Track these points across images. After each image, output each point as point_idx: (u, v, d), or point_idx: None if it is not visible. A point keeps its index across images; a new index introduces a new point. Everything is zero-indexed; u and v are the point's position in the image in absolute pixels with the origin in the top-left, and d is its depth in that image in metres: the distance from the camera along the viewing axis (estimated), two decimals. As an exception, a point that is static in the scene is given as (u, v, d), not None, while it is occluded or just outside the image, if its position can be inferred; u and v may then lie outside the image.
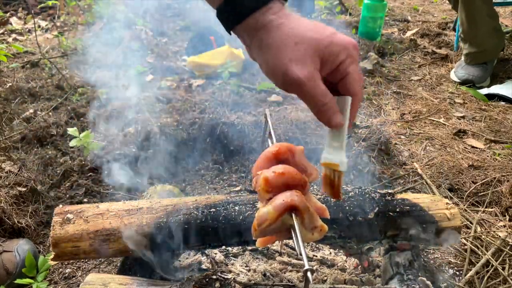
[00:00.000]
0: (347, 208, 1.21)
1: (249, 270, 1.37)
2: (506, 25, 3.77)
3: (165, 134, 2.11)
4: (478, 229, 1.68)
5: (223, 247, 1.35)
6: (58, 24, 3.77)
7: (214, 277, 1.12)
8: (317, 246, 1.53)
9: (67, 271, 1.55)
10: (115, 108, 2.38)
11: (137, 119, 2.26)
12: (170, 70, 2.92)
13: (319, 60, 0.68)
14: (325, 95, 0.69)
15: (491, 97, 2.74)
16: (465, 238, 1.61)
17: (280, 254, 1.46)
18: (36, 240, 1.65)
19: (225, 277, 1.13)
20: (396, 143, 2.23)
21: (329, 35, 0.68)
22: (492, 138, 2.29)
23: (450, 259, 1.58)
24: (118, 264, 1.46)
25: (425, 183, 1.92)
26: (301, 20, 0.70)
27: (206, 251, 1.40)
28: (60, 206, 1.23)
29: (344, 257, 1.47)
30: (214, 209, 1.21)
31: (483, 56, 2.88)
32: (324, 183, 0.81)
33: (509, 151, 2.18)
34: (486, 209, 1.80)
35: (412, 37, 3.68)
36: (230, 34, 0.73)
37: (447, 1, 3.32)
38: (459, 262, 1.56)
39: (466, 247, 1.59)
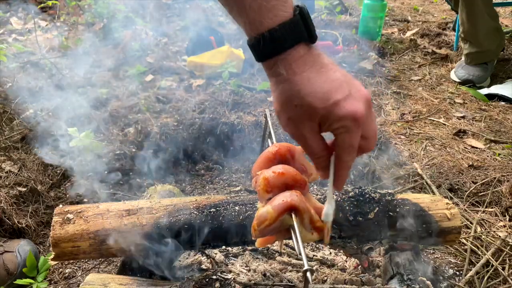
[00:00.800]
0: (347, 208, 1.21)
1: (249, 270, 1.37)
2: (506, 25, 3.77)
3: (165, 134, 2.11)
4: (478, 229, 1.68)
5: (223, 247, 1.35)
6: (58, 24, 3.77)
7: (214, 277, 1.12)
8: (317, 246, 1.53)
9: (67, 271, 1.55)
10: (115, 108, 2.39)
11: (137, 119, 2.26)
12: (170, 70, 2.92)
13: (316, 123, 0.70)
14: (316, 152, 0.74)
15: (491, 97, 2.74)
16: (465, 238, 1.61)
17: (280, 254, 1.46)
18: (36, 240, 1.65)
19: (225, 277, 1.13)
20: (396, 143, 2.23)
21: (332, 104, 0.67)
22: (492, 138, 2.29)
23: (450, 259, 1.58)
24: (118, 264, 1.46)
25: (425, 183, 1.92)
26: (314, 76, 0.68)
27: (206, 251, 1.40)
28: (60, 206, 1.23)
29: (344, 257, 1.47)
30: (214, 209, 1.21)
31: (484, 56, 2.88)
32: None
33: (509, 151, 2.18)
34: (486, 209, 1.80)
35: (412, 37, 3.68)
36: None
37: (446, 3, 3.32)
38: (459, 262, 1.56)
39: (466, 247, 1.59)
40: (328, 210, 0.81)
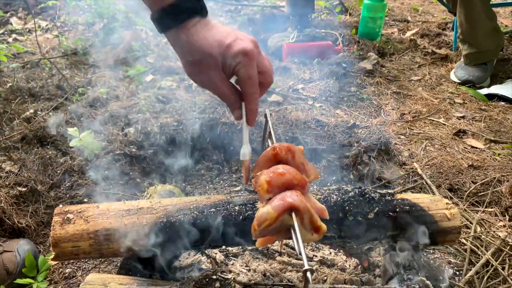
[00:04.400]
0: (347, 208, 1.21)
1: (249, 270, 1.37)
2: (506, 25, 3.77)
3: (165, 134, 2.11)
4: (478, 229, 1.68)
5: (223, 247, 1.35)
6: (58, 24, 3.77)
7: (214, 277, 1.12)
8: (317, 246, 1.53)
9: (67, 271, 1.55)
10: (115, 108, 2.39)
11: (137, 119, 2.26)
12: (170, 70, 2.92)
13: (220, 71, 0.87)
14: (228, 95, 0.90)
15: (491, 97, 2.74)
16: (465, 238, 1.61)
17: (280, 254, 1.46)
18: (36, 240, 1.65)
19: (225, 277, 1.13)
20: (396, 143, 2.23)
21: (225, 48, 0.84)
22: (492, 138, 2.29)
23: (450, 259, 1.58)
24: (118, 264, 1.46)
25: (425, 183, 1.92)
26: (207, 33, 0.86)
27: (206, 251, 1.40)
28: (60, 206, 1.23)
29: (344, 257, 1.47)
30: (214, 209, 1.21)
31: (483, 57, 2.88)
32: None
33: (509, 151, 2.18)
34: (486, 209, 1.80)
35: (412, 37, 3.68)
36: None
37: (444, 6, 3.32)
38: (459, 262, 1.56)
39: (466, 247, 1.59)
40: (244, 150, 0.94)
